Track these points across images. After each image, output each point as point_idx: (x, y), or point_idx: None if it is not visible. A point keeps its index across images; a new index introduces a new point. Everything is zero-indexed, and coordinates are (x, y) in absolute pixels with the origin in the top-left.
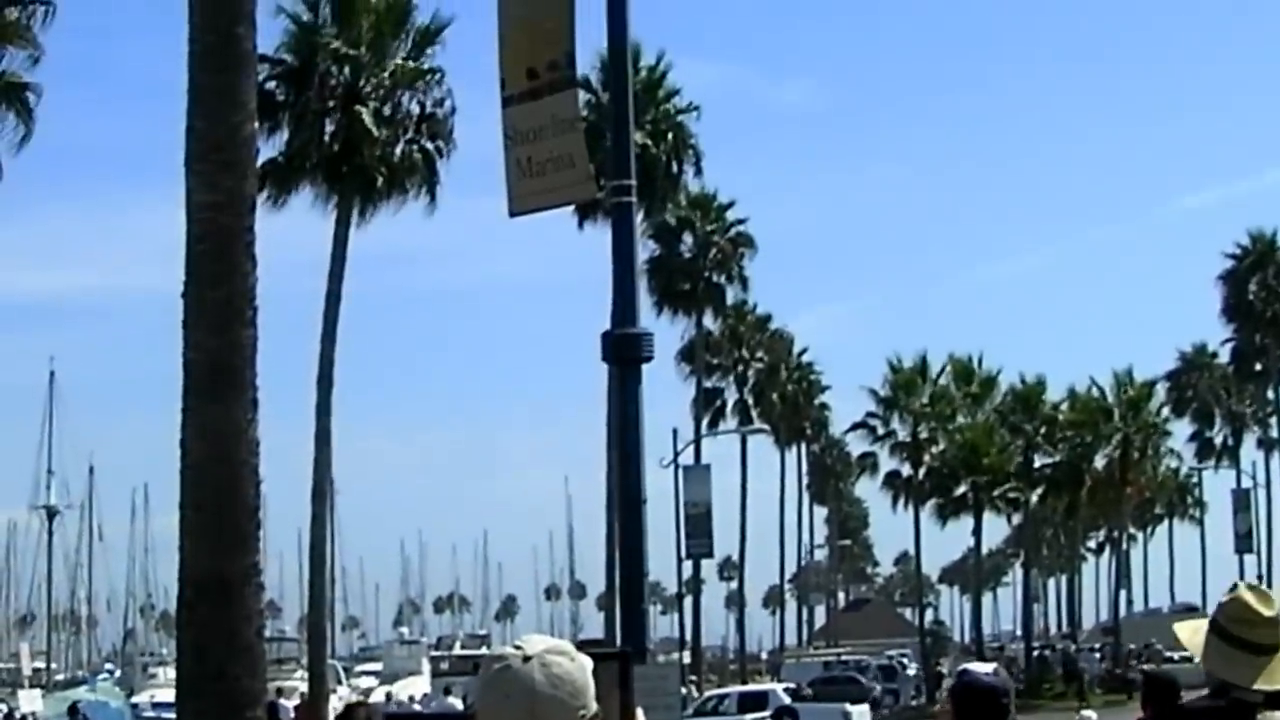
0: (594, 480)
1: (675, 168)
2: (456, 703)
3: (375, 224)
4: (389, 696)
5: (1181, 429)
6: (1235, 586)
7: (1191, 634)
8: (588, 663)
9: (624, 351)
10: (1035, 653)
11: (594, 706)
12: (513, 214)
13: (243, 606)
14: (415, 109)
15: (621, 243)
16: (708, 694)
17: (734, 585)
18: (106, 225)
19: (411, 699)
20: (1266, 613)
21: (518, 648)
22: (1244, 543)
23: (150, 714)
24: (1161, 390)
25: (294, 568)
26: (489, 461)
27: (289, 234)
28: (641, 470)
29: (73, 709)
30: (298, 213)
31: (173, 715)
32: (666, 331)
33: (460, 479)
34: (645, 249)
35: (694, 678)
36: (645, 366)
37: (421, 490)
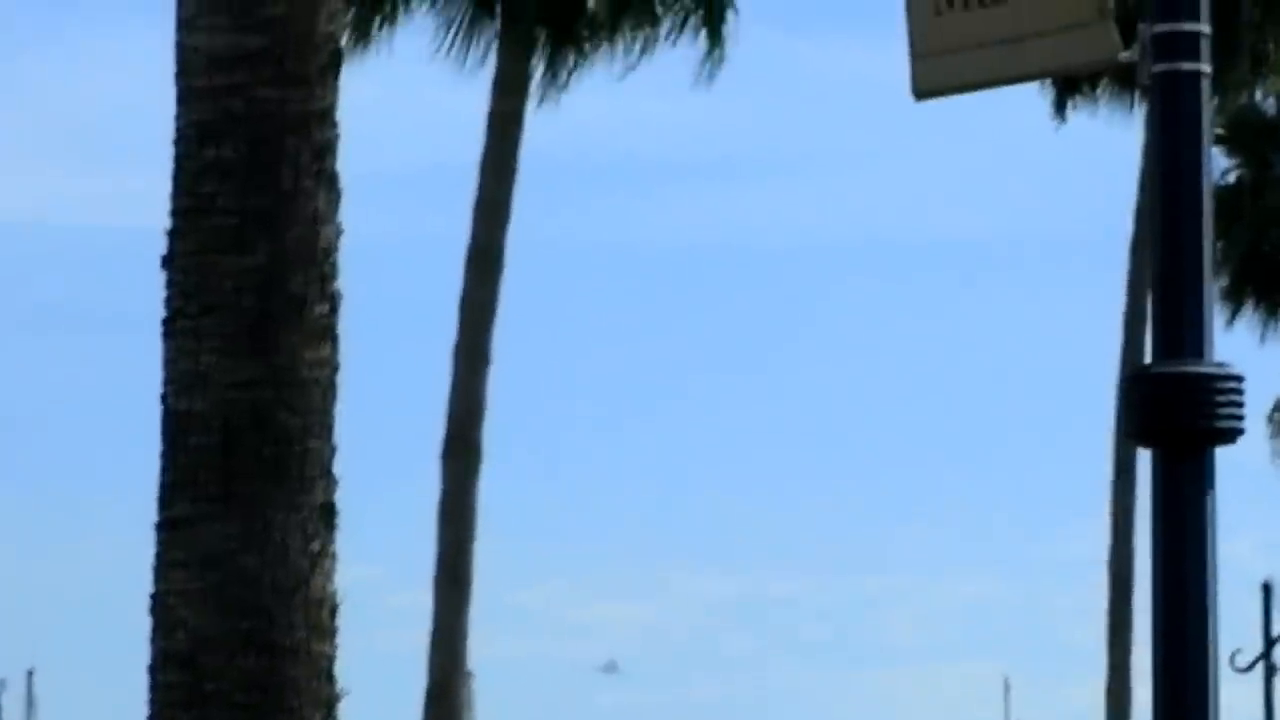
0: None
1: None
2: None
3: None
4: None
5: None
6: None
7: None
8: None
9: (1173, 416)
10: None
11: None
12: (919, 95)
13: None
14: None
15: (1172, 152)
16: None
17: None
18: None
19: None
20: None
21: None
22: None
23: None
24: None
25: None
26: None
27: None
28: (1211, 680)
29: None
30: None
31: None
32: (1244, 353)
33: None
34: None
35: None
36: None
37: None
